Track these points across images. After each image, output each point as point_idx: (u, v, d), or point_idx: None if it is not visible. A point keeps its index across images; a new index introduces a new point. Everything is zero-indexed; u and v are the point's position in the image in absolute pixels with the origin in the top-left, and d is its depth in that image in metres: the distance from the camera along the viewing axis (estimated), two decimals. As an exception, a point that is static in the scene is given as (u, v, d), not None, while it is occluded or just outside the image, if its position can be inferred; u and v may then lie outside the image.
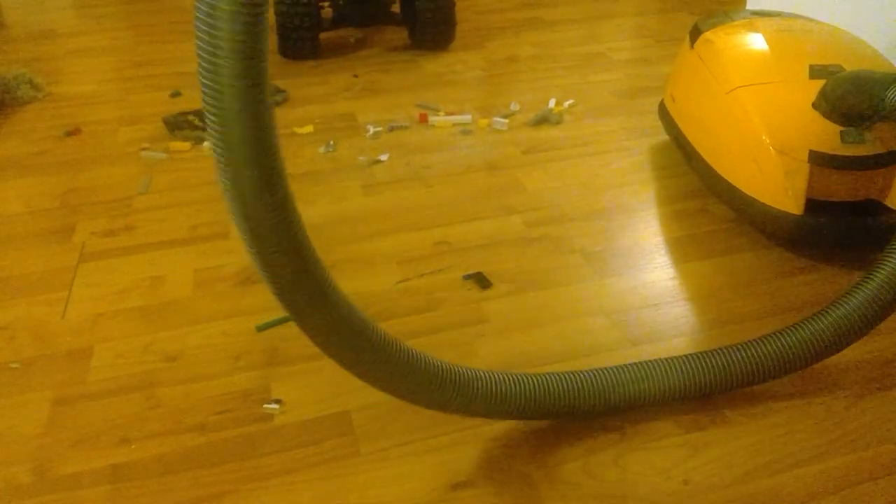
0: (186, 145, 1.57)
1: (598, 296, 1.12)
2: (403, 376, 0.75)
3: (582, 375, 0.85)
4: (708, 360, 0.89)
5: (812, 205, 1.14)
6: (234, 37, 0.51)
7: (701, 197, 1.35)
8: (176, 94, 1.83)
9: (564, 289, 1.13)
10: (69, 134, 1.65)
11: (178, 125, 1.63)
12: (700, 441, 0.87)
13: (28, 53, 2.14)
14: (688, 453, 0.86)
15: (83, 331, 1.07)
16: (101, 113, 1.76)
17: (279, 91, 1.81)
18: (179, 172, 1.48)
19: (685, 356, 0.90)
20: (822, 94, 1.11)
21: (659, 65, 1.97)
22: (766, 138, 1.14)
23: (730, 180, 1.22)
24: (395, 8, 2.15)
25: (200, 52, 0.53)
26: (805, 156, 1.12)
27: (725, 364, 0.88)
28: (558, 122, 1.66)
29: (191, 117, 1.66)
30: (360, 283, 1.14)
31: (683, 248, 1.23)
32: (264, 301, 1.11)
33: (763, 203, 1.16)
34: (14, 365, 1.01)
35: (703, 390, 0.89)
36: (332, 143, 1.58)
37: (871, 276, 0.87)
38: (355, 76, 1.94)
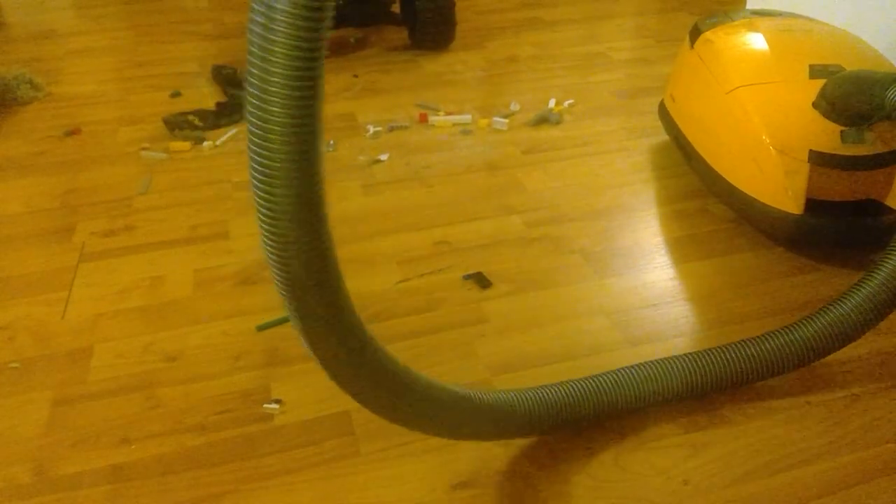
0: (186, 145, 1.57)
1: (598, 296, 1.12)
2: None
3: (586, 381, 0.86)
4: (706, 359, 0.89)
5: (812, 205, 1.14)
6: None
7: (701, 197, 1.35)
8: (176, 95, 1.83)
9: (564, 289, 1.13)
10: (69, 134, 1.65)
11: (178, 125, 1.63)
12: (700, 441, 0.87)
13: (28, 53, 2.14)
14: (688, 453, 0.86)
15: (83, 331, 1.07)
16: (101, 113, 1.76)
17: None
18: (179, 172, 1.48)
19: (683, 355, 0.90)
20: (823, 94, 1.11)
21: (659, 65, 1.97)
22: (766, 138, 1.14)
23: (730, 180, 1.22)
24: (395, 8, 2.15)
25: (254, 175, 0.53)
26: (805, 156, 1.12)
27: (724, 362, 0.89)
28: (558, 122, 1.66)
29: (191, 117, 1.66)
30: (360, 283, 1.14)
31: (683, 248, 1.23)
32: (264, 301, 1.11)
33: (763, 203, 1.16)
34: (14, 365, 1.01)
35: (701, 389, 0.89)
36: (332, 142, 1.58)
37: (872, 276, 0.87)
38: (355, 76, 1.94)
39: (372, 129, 1.62)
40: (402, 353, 0.70)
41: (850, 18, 1.48)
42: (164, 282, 1.16)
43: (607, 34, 2.23)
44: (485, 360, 1.00)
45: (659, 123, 1.52)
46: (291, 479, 0.84)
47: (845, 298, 0.88)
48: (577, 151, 1.54)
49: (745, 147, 1.19)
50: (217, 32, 2.29)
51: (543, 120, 1.65)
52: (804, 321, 0.90)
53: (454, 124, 1.66)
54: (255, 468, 0.85)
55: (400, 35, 2.18)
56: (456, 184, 1.43)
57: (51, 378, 0.98)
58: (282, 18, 0.47)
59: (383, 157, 1.52)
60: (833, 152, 1.11)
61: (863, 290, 0.87)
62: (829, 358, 0.94)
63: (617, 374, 0.87)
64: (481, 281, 1.15)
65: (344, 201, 1.37)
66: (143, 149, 1.57)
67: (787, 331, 0.90)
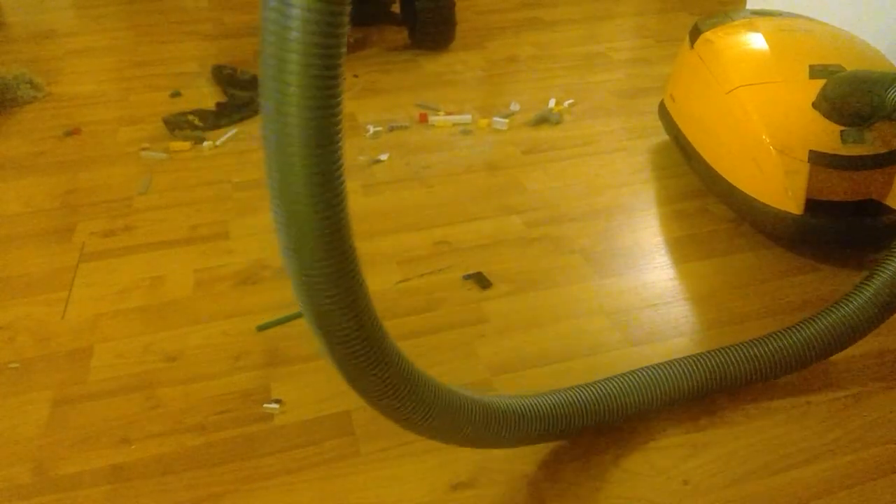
0: (186, 145, 1.57)
1: (598, 296, 1.12)
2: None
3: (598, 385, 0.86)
4: (708, 361, 0.89)
5: (812, 205, 1.14)
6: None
7: (701, 197, 1.35)
8: (176, 94, 1.83)
9: (564, 289, 1.13)
10: (69, 134, 1.65)
11: (178, 125, 1.63)
12: (700, 441, 0.87)
13: (28, 53, 2.15)
14: (688, 453, 0.86)
15: (83, 331, 1.07)
16: (101, 113, 1.76)
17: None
18: (179, 172, 1.48)
19: (685, 358, 0.90)
20: (823, 94, 1.11)
21: (659, 65, 1.97)
22: (766, 138, 1.14)
23: (730, 180, 1.22)
24: (395, 8, 2.15)
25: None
26: (805, 156, 1.12)
27: (725, 363, 0.89)
28: (558, 122, 1.66)
29: (191, 117, 1.66)
30: (360, 283, 1.14)
31: (683, 248, 1.23)
32: (264, 301, 1.11)
33: (763, 203, 1.16)
34: (14, 365, 1.01)
35: (703, 391, 0.89)
36: (332, 143, 1.57)
37: (875, 277, 0.87)
38: (355, 76, 1.94)
39: (372, 129, 1.62)
40: (402, 353, 0.70)
41: (850, 18, 1.48)
42: (164, 282, 1.16)
43: (607, 34, 2.23)
44: (485, 360, 1.00)
45: (659, 123, 1.52)
46: (291, 479, 0.84)
47: (849, 299, 0.88)
48: (577, 151, 1.54)
49: (745, 147, 1.19)
50: (217, 32, 2.29)
51: (543, 120, 1.65)
52: (806, 322, 0.90)
53: (454, 124, 1.66)
54: (255, 468, 0.85)
55: (400, 35, 2.18)
56: (456, 184, 1.43)
57: (51, 378, 0.98)
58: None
59: (383, 157, 1.52)
60: (833, 152, 1.11)
61: (866, 290, 0.87)
62: (830, 358, 0.94)
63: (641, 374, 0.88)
64: (481, 281, 1.15)
65: (344, 201, 1.37)
66: (143, 149, 1.57)
67: (788, 332, 0.90)
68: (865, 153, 1.10)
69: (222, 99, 1.78)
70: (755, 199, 1.17)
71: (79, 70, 2.03)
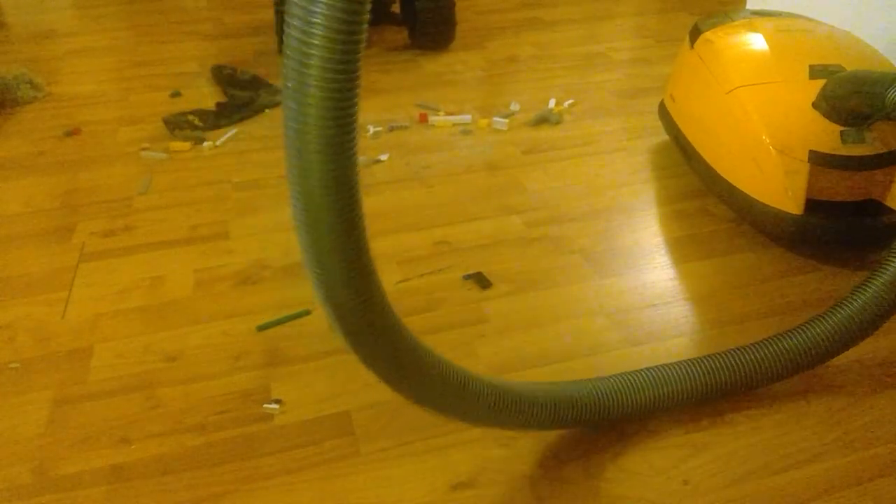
0: (186, 145, 1.57)
1: (598, 296, 1.12)
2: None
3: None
4: (711, 363, 0.88)
5: (812, 205, 1.14)
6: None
7: (701, 197, 1.35)
8: (176, 94, 1.83)
9: (564, 289, 1.13)
10: (69, 134, 1.65)
11: (178, 125, 1.63)
12: (700, 441, 0.87)
13: (28, 53, 2.15)
14: (688, 453, 0.86)
15: (83, 331, 1.07)
16: (101, 113, 1.76)
17: (278, 91, 1.81)
18: (179, 172, 1.48)
19: (691, 360, 0.89)
20: (823, 94, 1.11)
21: (659, 65, 1.97)
22: (766, 138, 1.14)
23: (730, 180, 1.22)
24: (395, 8, 2.15)
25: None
26: (805, 156, 1.12)
27: (730, 366, 0.88)
28: (558, 122, 1.66)
29: (191, 117, 1.66)
30: (360, 283, 1.14)
31: (683, 248, 1.23)
32: (264, 301, 1.11)
33: (763, 203, 1.16)
34: (14, 365, 1.01)
35: (708, 394, 0.89)
36: (332, 143, 1.57)
37: (877, 277, 0.87)
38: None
39: (372, 129, 1.62)
40: (402, 353, 0.70)
41: (850, 18, 1.48)
42: (164, 282, 1.16)
43: (607, 34, 2.24)
44: (485, 360, 1.00)
45: (659, 123, 1.52)
46: (291, 479, 0.84)
47: (850, 300, 0.88)
48: (577, 151, 1.54)
49: (745, 147, 1.19)
50: (217, 32, 2.29)
51: (543, 120, 1.65)
52: (809, 322, 0.90)
53: (454, 124, 1.66)
54: (255, 468, 0.85)
55: (400, 35, 2.18)
56: (456, 184, 1.43)
57: (51, 378, 0.98)
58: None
59: (383, 157, 1.52)
60: (833, 152, 1.11)
61: (867, 291, 0.87)
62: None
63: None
64: (481, 281, 1.15)
65: (344, 201, 1.37)
66: (143, 149, 1.57)
67: (792, 333, 0.90)
68: (865, 153, 1.10)
69: (222, 99, 1.78)
70: (755, 199, 1.17)
71: (79, 70, 2.03)
